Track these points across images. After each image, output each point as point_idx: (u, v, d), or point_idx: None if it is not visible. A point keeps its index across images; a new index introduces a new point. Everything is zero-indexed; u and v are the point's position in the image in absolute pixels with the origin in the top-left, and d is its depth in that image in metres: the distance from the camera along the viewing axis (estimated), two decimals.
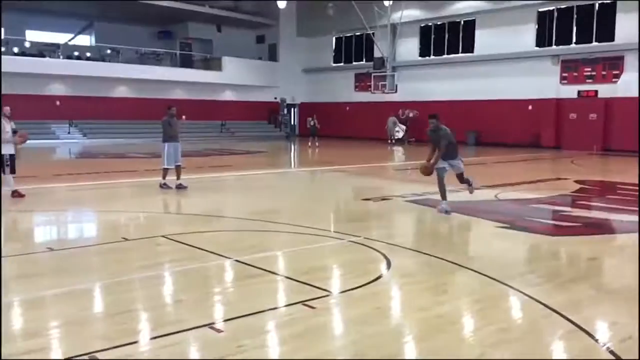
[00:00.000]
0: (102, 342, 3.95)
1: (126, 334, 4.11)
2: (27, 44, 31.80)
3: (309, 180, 15.96)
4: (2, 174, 10.30)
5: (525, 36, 27.96)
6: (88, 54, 33.29)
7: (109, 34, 34.24)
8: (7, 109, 10.39)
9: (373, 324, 4.35)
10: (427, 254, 6.57)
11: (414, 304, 4.96)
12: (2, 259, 5.82)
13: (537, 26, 27.76)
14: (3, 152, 10.22)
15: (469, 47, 30.42)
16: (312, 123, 30.78)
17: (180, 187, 11.69)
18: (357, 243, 7.09)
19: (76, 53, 32.75)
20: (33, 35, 33.08)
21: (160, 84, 33.11)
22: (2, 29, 11.42)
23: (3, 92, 27.70)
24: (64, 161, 21.34)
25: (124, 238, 7.32)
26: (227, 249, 6.65)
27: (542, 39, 27.60)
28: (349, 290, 5.23)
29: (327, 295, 5.07)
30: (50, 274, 5.90)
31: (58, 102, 30.47)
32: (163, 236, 7.35)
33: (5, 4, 30.71)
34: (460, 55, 30.83)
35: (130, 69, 31.79)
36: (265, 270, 5.83)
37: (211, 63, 36.30)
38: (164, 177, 11.83)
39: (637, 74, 23.78)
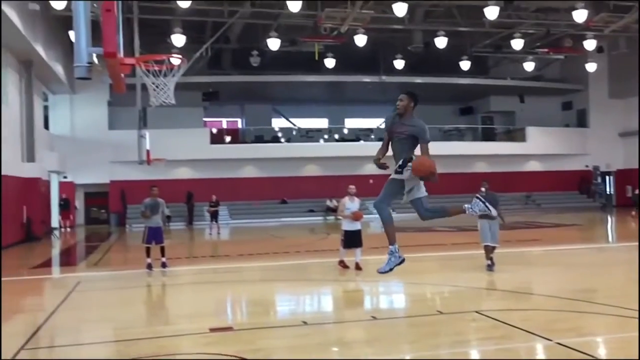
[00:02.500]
0: None
1: None
2: (345, 131, 36.19)
3: (634, 256, 14.15)
4: (340, 248, 11.61)
5: None
6: None
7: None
8: (352, 188, 11.70)
9: None
10: None
11: None
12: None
13: None
14: (343, 227, 11.54)
15: None
16: (636, 192, 27.51)
17: (490, 267, 10.96)
18: None
19: None
20: (350, 123, 37.50)
21: (463, 159, 33.86)
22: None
23: (334, 173, 31.64)
24: (377, 235, 23.14)
25: (438, 311, 7.56)
26: (545, 330, 6.32)
27: None
28: None
29: None
30: (373, 341, 6.41)
31: (371, 181, 33.48)
32: (476, 312, 7.36)
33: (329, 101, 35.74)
34: None
35: (435, 146, 33.00)
36: (591, 356, 5.36)
37: (514, 134, 35.80)
38: (487, 257, 11.01)
39: None
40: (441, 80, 32.70)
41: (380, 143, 5.74)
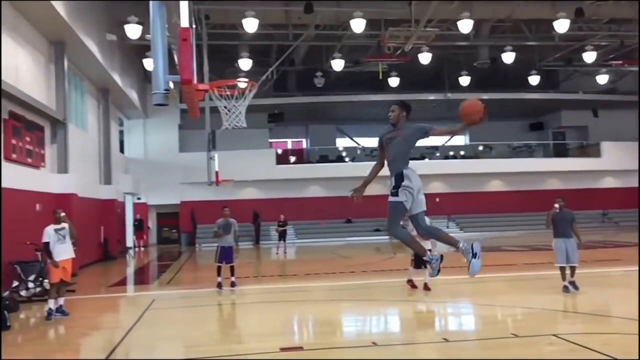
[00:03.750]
0: None
1: None
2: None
3: None
4: (410, 267, 11.51)
5: None
6: (462, 153, 35.61)
7: (481, 131, 36.02)
8: None
9: None
10: None
11: None
12: None
13: None
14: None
15: None
16: None
17: (567, 288, 10.45)
18: None
19: (451, 153, 35.45)
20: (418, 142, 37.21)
21: (534, 176, 32.89)
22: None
23: None
24: (447, 255, 22.67)
25: (513, 334, 7.32)
26: (629, 354, 6.00)
27: None
28: None
29: None
30: None
31: (437, 199, 33.00)
32: (554, 335, 7.08)
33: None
34: None
35: (504, 163, 32.60)
36: None
37: (588, 150, 34.52)
38: (563, 278, 10.60)
39: None
40: (509, 95, 32.01)
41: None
